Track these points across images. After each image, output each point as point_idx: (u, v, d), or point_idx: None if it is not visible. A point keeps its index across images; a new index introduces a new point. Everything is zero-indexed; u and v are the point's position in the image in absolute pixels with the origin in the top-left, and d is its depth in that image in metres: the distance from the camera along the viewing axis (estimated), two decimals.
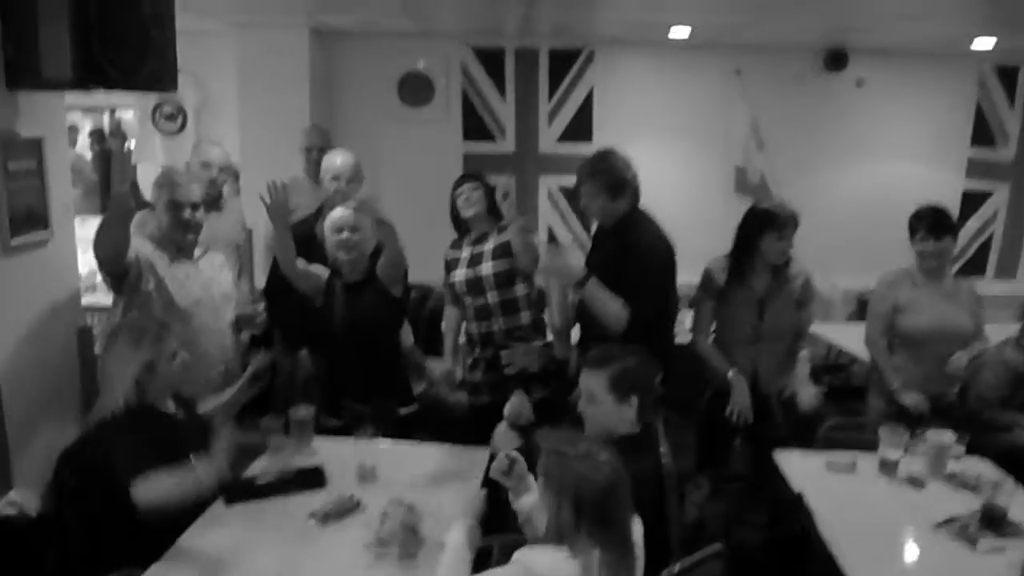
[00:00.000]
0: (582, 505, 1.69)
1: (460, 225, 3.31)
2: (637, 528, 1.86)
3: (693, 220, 5.84)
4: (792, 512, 2.45)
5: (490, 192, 3.44)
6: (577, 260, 3.00)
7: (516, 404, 2.79)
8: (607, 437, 2.19)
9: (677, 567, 2.04)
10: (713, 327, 3.37)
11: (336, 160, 3.65)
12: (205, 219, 3.05)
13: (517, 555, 1.76)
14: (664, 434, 2.77)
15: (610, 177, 2.98)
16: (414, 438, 2.99)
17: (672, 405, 2.88)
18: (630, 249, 2.94)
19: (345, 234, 3.05)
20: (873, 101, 5.80)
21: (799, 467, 2.80)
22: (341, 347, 3.08)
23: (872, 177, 5.86)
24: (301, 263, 3.10)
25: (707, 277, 3.34)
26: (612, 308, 2.86)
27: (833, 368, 5.15)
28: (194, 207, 2.94)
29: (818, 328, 4.75)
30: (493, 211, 3.37)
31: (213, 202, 3.62)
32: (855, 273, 5.05)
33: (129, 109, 6.10)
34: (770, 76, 5.70)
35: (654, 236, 3.04)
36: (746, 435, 3.38)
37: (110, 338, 2.77)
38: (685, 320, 4.44)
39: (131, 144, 6.32)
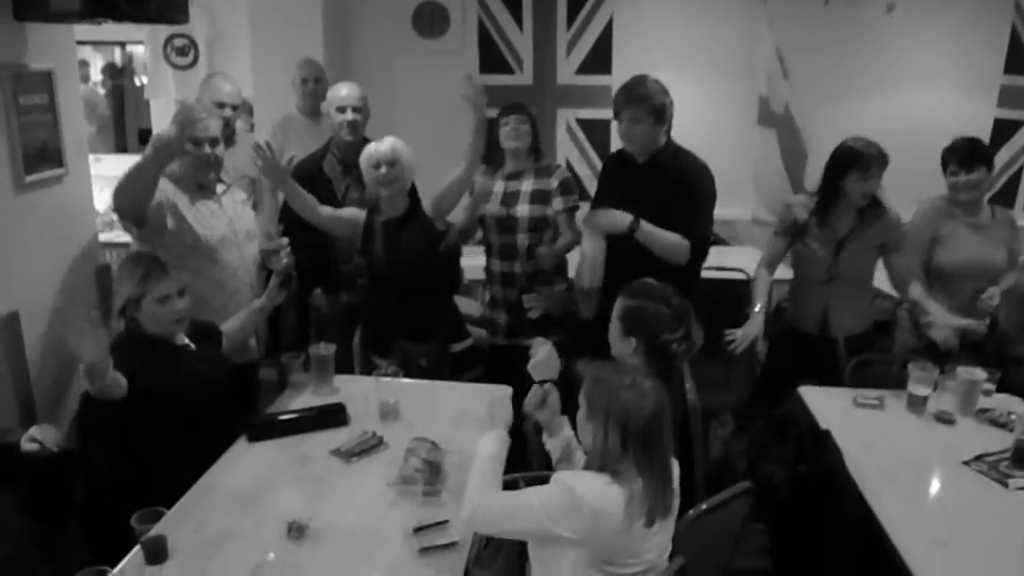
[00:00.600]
0: (629, 433, 1.69)
1: (493, 154, 3.22)
2: (674, 464, 1.85)
3: (716, 151, 5.63)
4: (819, 448, 2.42)
5: (536, 128, 3.38)
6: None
7: (543, 355, 2.59)
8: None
9: (704, 505, 2.02)
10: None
11: (341, 91, 3.52)
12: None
13: (557, 476, 1.77)
14: (690, 371, 2.76)
15: (652, 102, 2.88)
16: (468, 375, 2.98)
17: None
18: (688, 176, 2.91)
19: (384, 169, 2.94)
20: (903, 28, 5.57)
21: (825, 403, 2.77)
22: (386, 287, 3.03)
23: (901, 107, 5.66)
24: (327, 210, 3.03)
25: (785, 212, 3.23)
26: (672, 241, 2.83)
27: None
28: (213, 143, 2.84)
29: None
30: (535, 149, 3.30)
31: (227, 138, 3.54)
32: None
33: (140, 44, 5.99)
34: (796, 2, 5.48)
35: (701, 162, 3.01)
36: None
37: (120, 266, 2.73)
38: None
39: (144, 79, 6.23)
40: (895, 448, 2.48)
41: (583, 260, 2.92)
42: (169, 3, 2.30)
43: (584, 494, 1.67)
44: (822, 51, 5.55)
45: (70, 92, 2.63)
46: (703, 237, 2.92)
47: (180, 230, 2.79)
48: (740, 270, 4.34)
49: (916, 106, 5.66)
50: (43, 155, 2.48)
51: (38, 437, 2.06)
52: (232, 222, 2.95)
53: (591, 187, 5.75)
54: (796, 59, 5.44)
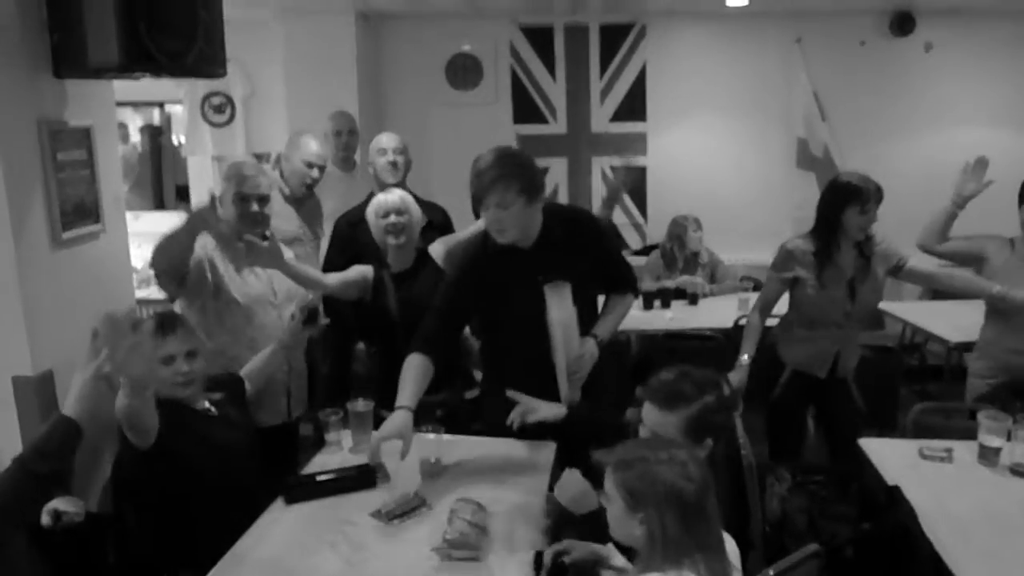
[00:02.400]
0: (685, 510, 1.52)
1: None
2: (731, 545, 1.71)
3: (754, 196, 5.66)
4: (889, 506, 2.27)
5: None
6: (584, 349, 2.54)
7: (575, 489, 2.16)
8: None
9: (771, 572, 1.88)
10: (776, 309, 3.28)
11: (383, 138, 3.66)
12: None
13: None
14: (742, 425, 2.63)
15: (518, 180, 2.35)
16: (481, 422, 2.88)
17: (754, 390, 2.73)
18: (586, 234, 2.56)
19: (392, 218, 2.99)
20: (943, 65, 5.50)
21: (888, 456, 2.62)
22: (399, 339, 2.96)
23: (945, 146, 5.55)
24: (332, 277, 3.03)
25: (787, 257, 3.17)
26: (625, 311, 2.70)
27: (908, 348, 4.92)
28: (261, 201, 2.84)
29: (890, 307, 4.54)
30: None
31: (306, 196, 3.65)
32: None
33: (178, 103, 6.09)
34: (832, 43, 5.45)
35: (577, 209, 2.90)
36: (819, 420, 3.24)
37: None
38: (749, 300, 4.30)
39: (181, 138, 6.34)
40: (968, 503, 2.32)
41: (555, 335, 2.47)
42: (207, 57, 2.29)
43: None
44: (860, 92, 5.50)
45: (108, 148, 2.63)
46: (633, 278, 2.76)
47: (217, 288, 2.78)
48: (776, 316, 4.22)
49: (962, 144, 5.52)
50: (80, 211, 2.47)
51: (60, 508, 2.01)
52: (272, 281, 2.94)
53: (627, 236, 5.76)
54: (834, 100, 5.38)
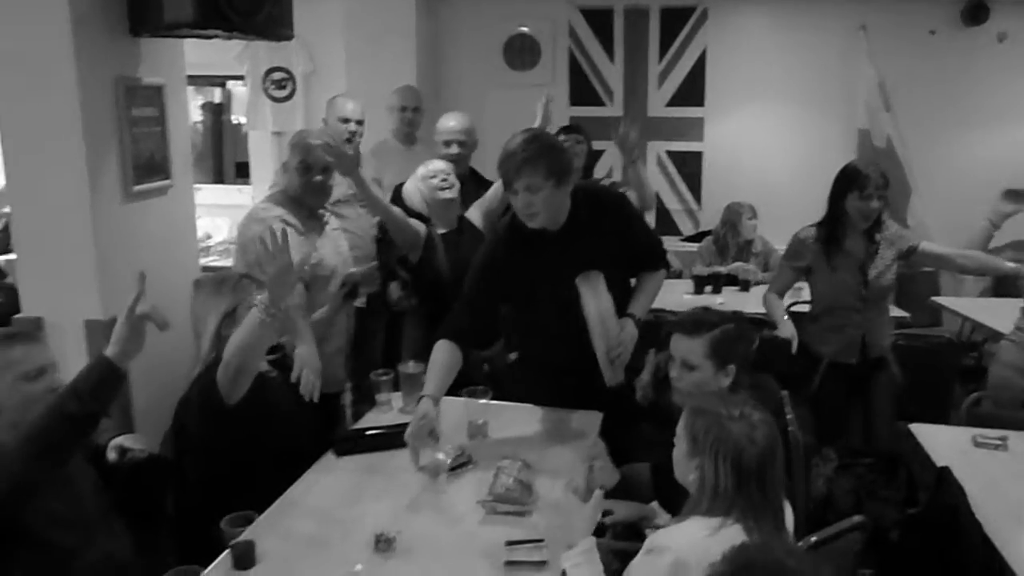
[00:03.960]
0: (742, 470, 1.55)
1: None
2: (787, 507, 1.71)
3: (812, 186, 5.49)
4: (938, 487, 2.24)
5: (591, 151, 3.40)
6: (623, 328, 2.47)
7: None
8: None
9: (814, 538, 1.88)
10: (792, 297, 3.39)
11: (449, 122, 3.67)
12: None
13: (650, 542, 1.62)
14: (791, 402, 2.61)
15: (548, 162, 2.32)
16: (522, 383, 2.92)
17: (786, 383, 2.68)
18: (614, 214, 2.55)
19: (440, 176, 3.12)
20: (1017, 57, 5.33)
21: (940, 442, 2.58)
22: (449, 296, 3.02)
23: (1017, 143, 5.39)
24: (397, 209, 3.09)
25: (797, 246, 3.25)
26: (658, 286, 2.67)
27: (967, 346, 4.80)
28: (325, 171, 2.89)
29: (951, 303, 4.44)
30: (589, 171, 3.30)
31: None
32: (993, 243, 4.67)
33: (240, 79, 6.23)
34: (900, 31, 5.32)
35: (604, 188, 2.89)
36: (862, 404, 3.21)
37: (195, 288, 2.76)
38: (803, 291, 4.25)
39: (241, 118, 6.48)
40: (1021, 493, 2.28)
41: (592, 325, 2.41)
42: (275, 19, 2.35)
43: (686, 557, 1.50)
44: (928, 82, 5.36)
45: (178, 107, 2.73)
46: (663, 253, 2.74)
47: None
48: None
49: None
50: (151, 166, 2.57)
51: (126, 445, 2.09)
52: (331, 252, 2.99)
53: (680, 222, 5.72)
54: (899, 91, 5.26)
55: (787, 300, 4.22)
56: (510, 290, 2.53)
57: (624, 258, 2.57)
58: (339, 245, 3.11)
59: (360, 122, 3.78)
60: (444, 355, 2.46)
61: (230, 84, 7.24)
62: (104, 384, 1.72)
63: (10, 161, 2.48)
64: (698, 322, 2.16)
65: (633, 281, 2.70)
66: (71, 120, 2.31)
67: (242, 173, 6.84)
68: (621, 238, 2.53)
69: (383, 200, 3.06)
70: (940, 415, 3.48)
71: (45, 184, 2.41)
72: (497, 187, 3.34)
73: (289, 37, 2.49)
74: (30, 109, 2.40)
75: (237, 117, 7.11)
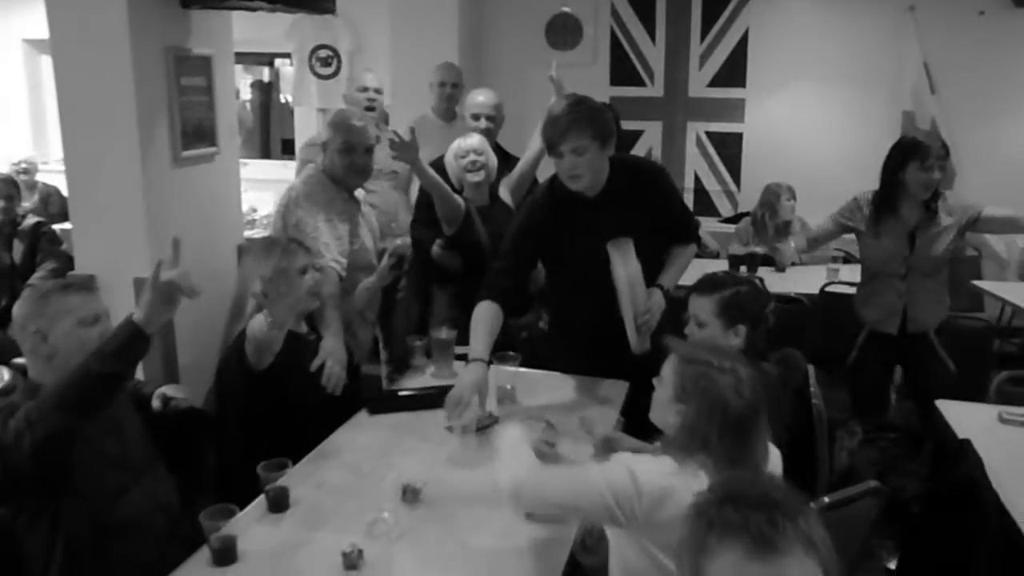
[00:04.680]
0: (725, 421, 1.56)
1: None
2: (774, 457, 1.73)
3: (854, 168, 5.46)
4: (957, 459, 2.26)
5: (620, 129, 3.46)
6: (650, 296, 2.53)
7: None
8: None
9: (826, 499, 1.92)
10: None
11: (478, 97, 3.71)
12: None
13: (618, 456, 1.66)
14: (815, 375, 2.64)
15: (594, 125, 2.39)
16: (554, 350, 2.98)
17: (819, 359, 2.70)
18: (652, 184, 2.61)
19: (472, 156, 3.16)
20: None
21: (966, 418, 2.58)
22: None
23: None
24: (444, 184, 3.14)
25: (852, 205, 3.28)
26: (687, 261, 2.70)
27: (1007, 332, 4.73)
28: (368, 151, 2.95)
29: (993, 287, 4.38)
30: (623, 150, 3.38)
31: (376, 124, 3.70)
32: None
33: (287, 57, 6.36)
34: (948, 12, 5.22)
35: (646, 160, 3.00)
36: (903, 383, 3.21)
37: (244, 250, 2.86)
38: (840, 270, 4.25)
39: (288, 97, 6.62)
40: None
41: (621, 290, 2.47)
42: None
43: (647, 481, 1.55)
44: (975, 65, 5.26)
45: (225, 77, 2.84)
46: (695, 227, 2.79)
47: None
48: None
49: None
50: (199, 134, 2.68)
51: (169, 394, 2.20)
52: (365, 232, 3.06)
53: (719, 203, 5.71)
54: (946, 73, 5.18)
55: (824, 279, 4.25)
56: (546, 252, 2.61)
57: (658, 228, 2.61)
58: (371, 224, 3.20)
59: (379, 91, 3.86)
60: (487, 314, 2.50)
61: (278, 63, 7.41)
62: (128, 346, 1.73)
63: (67, 127, 2.61)
64: (713, 282, 2.24)
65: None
66: (124, 88, 2.43)
67: (288, 149, 6.99)
68: (657, 209, 2.59)
69: (434, 177, 3.05)
70: (977, 400, 3.47)
71: (99, 149, 2.55)
72: (522, 164, 3.42)
73: (331, 11, 2.58)
74: (86, 78, 2.53)
75: (284, 95, 7.27)
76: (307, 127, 6.06)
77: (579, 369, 2.75)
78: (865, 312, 3.20)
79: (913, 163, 3.01)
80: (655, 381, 1.75)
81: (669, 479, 1.55)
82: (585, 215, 2.51)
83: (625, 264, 2.45)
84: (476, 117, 3.65)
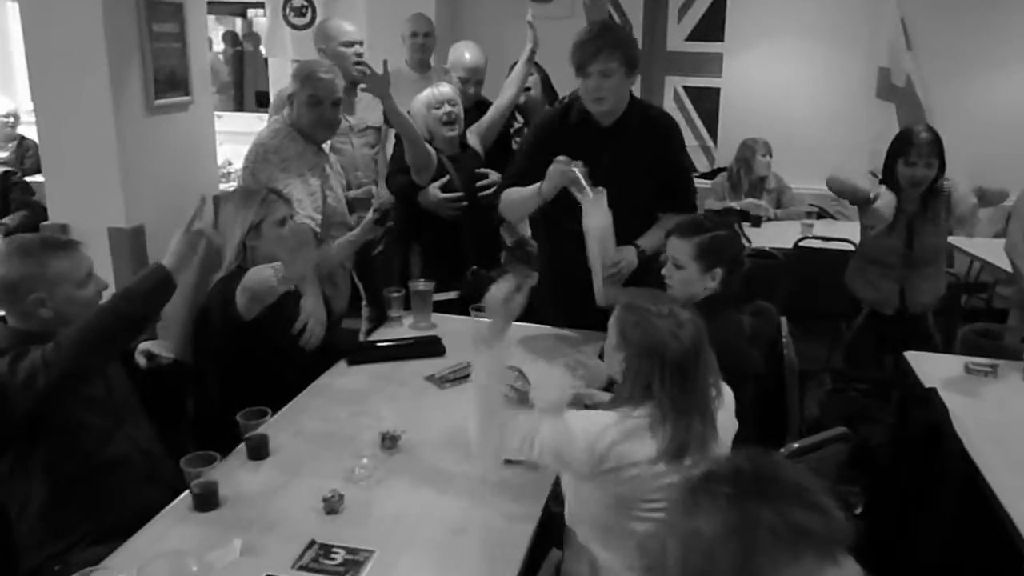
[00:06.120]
0: (664, 364, 1.58)
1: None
2: (727, 399, 1.75)
3: (830, 124, 5.54)
4: (923, 406, 2.33)
5: (545, 78, 3.70)
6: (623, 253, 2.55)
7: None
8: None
9: (796, 445, 1.98)
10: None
11: (466, 56, 3.60)
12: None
13: (568, 414, 1.70)
14: (788, 325, 2.69)
15: (625, 49, 2.46)
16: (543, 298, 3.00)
17: (791, 312, 2.72)
18: (666, 134, 2.67)
19: (447, 107, 3.10)
20: None
21: (932, 368, 2.65)
22: (463, 218, 3.12)
23: None
24: (416, 129, 3.08)
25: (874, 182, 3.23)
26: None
27: (974, 287, 4.83)
28: (335, 104, 2.89)
29: (961, 242, 4.45)
30: (548, 95, 3.61)
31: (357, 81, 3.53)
32: (1010, 184, 4.65)
33: (260, 7, 6.23)
34: None
35: (664, 112, 2.91)
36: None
37: (222, 199, 2.82)
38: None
39: (261, 48, 6.49)
40: (1008, 416, 2.35)
41: (590, 241, 2.50)
42: None
43: (582, 433, 1.59)
44: (952, 22, 5.26)
45: (198, 24, 2.78)
46: (693, 199, 2.77)
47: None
48: (849, 240, 4.20)
49: None
50: (171, 82, 2.64)
51: (153, 351, 2.20)
52: (334, 187, 3.03)
53: (696, 158, 5.72)
54: (922, 29, 5.18)
55: (798, 234, 4.30)
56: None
57: (657, 176, 2.63)
58: (340, 176, 3.17)
59: (362, 43, 3.69)
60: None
61: (251, 13, 7.26)
62: (157, 290, 1.86)
63: (36, 75, 2.55)
64: (693, 225, 2.26)
65: None
66: (94, 33, 2.38)
67: (262, 102, 6.88)
68: (660, 159, 2.63)
69: (409, 121, 3.01)
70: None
71: (70, 97, 2.50)
72: (493, 112, 3.39)
73: None
74: (54, 21, 2.46)
75: (257, 47, 7.14)
76: (282, 79, 5.93)
77: (566, 318, 2.78)
78: (860, 290, 3.23)
79: (901, 158, 3.03)
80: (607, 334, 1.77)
81: (607, 431, 1.58)
82: (593, 143, 2.55)
83: (595, 215, 2.46)
84: (465, 81, 3.56)
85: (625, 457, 1.58)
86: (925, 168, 3.01)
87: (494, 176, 3.16)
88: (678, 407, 1.59)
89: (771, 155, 4.92)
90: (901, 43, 5.20)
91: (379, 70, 2.88)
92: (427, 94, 3.15)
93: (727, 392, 1.75)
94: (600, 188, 2.45)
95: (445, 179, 3.09)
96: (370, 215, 2.88)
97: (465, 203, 3.12)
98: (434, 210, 3.12)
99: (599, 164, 2.47)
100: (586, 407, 2.02)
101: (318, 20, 5.69)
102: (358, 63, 3.36)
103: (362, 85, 2.95)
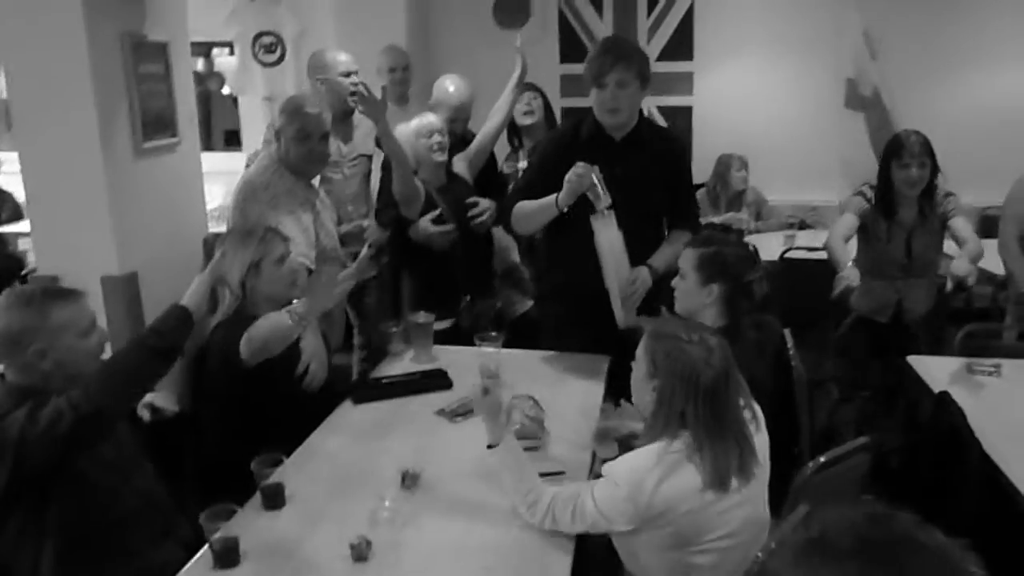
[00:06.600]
0: (697, 392, 1.59)
1: (515, 135, 3.42)
2: (759, 420, 1.75)
3: (802, 136, 5.63)
4: (938, 409, 2.33)
5: (547, 103, 3.55)
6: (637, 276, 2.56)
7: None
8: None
9: (823, 458, 1.96)
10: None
11: (451, 90, 3.54)
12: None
13: (607, 469, 1.69)
14: (792, 338, 2.69)
15: (640, 63, 2.52)
16: (545, 320, 2.99)
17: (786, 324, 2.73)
18: (675, 153, 2.72)
19: (437, 137, 3.08)
20: (1000, 3, 5.37)
21: (936, 371, 2.67)
22: (455, 249, 3.09)
23: (998, 86, 5.44)
24: (408, 163, 3.06)
25: (859, 198, 3.22)
26: (679, 249, 2.61)
27: (955, 287, 4.88)
28: (324, 137, 2.85)
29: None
30: (550, 120, 3.44)
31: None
32: (979, 189, 4.73)
33: (227, 47, 6.18)
34: None
35: (674, 132, 2.96)
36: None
37: (218, 242, 2.76)
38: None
39: (225, 89, 6.44)
40: (1017, 415, 2.37)
41: (605, 262, 2.52)
42: None
43: (625, 486, 1.59)
44: (913, 31, 5.39)
45: (182, 65, 2.73)
46: (696, 216, 2.84)
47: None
48: None
49: (1014, 85, 5.44)
50: (159, 124, 2.59)
51: (157, 404, 2.14)
52: (324, 224, 2.98)
53: None
54: (885, 40, 5.28)
55: (781, 245, 4.33)
56: (558, 188, 2.57)
57: (663, 193, 2.65)
58: (331, 210, 3.12)
59: (357, 71, 3.62)
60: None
61: (214, 52, 7.19)
62: (180, 326, 1.97)
63: (20, 119, 2.48)
64: (705, 237, 2.29)
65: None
66: (81, 76, 2.32)
67: (230, 141, 6.82)
68: (668, 176, 2.66)
69: (402, 151, 2.98)
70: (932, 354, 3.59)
71: (57, 141, 2.44)
72: (482, 137, 3.37)
73: None
74: (40, 64, 2.40)
75: (225, 87, 7.07)
76: (253, 116, 5.91)
77: (570, 341, 2.75)
78: (857, 302, 3.20)
79: (894, 161, 3.06)
80: (633, 364, 1.76)
81: (647, 477, 1.58)
82: (606, 156, 2.54)
83: (606, 235, 2.47)
84: (453, 120, 3.45)
85: (673, 497, 1.57)
86: (919, 168, 3.04)
87: (484, 204, 3.14)
88: (713, 433, 1.59)
89: (747, 169, 4.97)
90: (866, 54, 5.29)
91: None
92: (415, 123, 3.13)
93: (759, 412, 1.74)
94: (609, 208, 2.45)
95: (436, 212, 3.05)
96: (365, 251, 2.83)
97: (457, 233, 3.08)
98: (426, 243, 3.08)
99: (612, 177, 2.47)
100: (617, 441, 2.01)
101: (288, 57, 5.69)
102: (354, 91, 3.35)
103: (360, 108, 2.89)
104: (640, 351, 1.71)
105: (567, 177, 2.44)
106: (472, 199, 3.16)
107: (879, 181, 3.15)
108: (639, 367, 1.71)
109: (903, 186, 3.07)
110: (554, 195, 2.51)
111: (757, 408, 1.72)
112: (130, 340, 1.89)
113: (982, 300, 4.78)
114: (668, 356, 1.63)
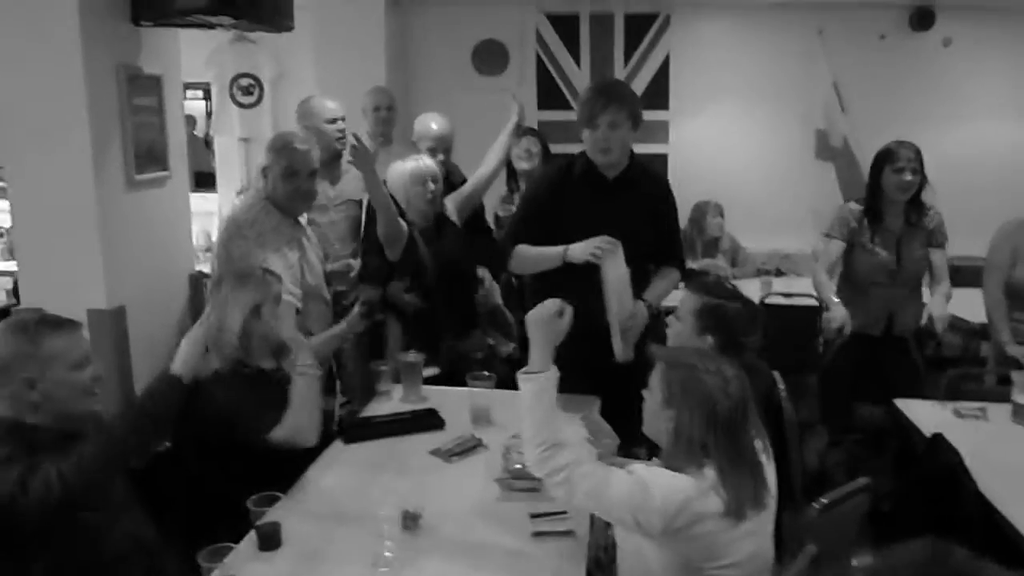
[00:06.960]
0: (715, 421, 1.58)
1: (512, 179, 3.44)
2: (767, 459, 1.74)
3: (775, 185, 5.75)
4: (932, 452, 2.35)
5: (547, 150, 3.56)
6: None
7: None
8: None
9: (825, 500, 1.96)
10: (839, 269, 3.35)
11: (432, 124, 3.59)
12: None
13: (635, 467, 1.67)
14: (782, 379, 2.70)
15: (632, 104, 2.57)
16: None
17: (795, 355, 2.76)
18: (662, 192, 2.79)
19: (431, 184, 3.06)
20: (960, 59, 5.59)
21: (924, 415, 2.70)
22: (436, 292, 3.07)
23: (962, 138, 5.63)
24: (393, 206, 3.04)
25: (843, 213, 3.30)
26: (672, 285, 2.75)
27: (926, 334, 4.97)
28: (311, 174, 2.83)
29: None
30: (548, 160, 3.43)
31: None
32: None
33: (200, 89, 6.14)
34: (853, 36, 5.53)
35: (661, 172, 3.00)
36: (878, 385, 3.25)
37: (214, 287, 2.71)
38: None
39: (196, 131, 6.39)
40: (1006, 457, 2.40)
41: (609, 294, 2.50)
42: (280, 9, 2.37)
43: (659, 488, 1.57)
44: (880, 84, 5.57)
45: (175, 98, 2.71)
46: (682, 255, 2.89)
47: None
48: (810, 295, 4.29)
49: (977, 137, 5.65)
50: (151, 156, 2.56)
51: None
52: (313, 262, 2.96)
53: None
54: (854, 92, 5.45)
55: (758, 292, 4.37)
56: (551, 225, 2.62)
57: (652, 231, 2.67)
58: (317, 248, 3.09)
59: (344, 118, 3.69)
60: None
61: (188, 94, 7.15)
62: (169, 396, 1.97)
63: (12, 148, 2.42)
64: (710, 285, 2.29)
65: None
66: (77, 107, 2.29)
67: (201, 182, 6.73)
68: (657, 214, 2.71)
69: (387, 195, 2.97)
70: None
71: (49, 171, 2.38)
72: (474, 182, 3.37)
73: (290, 28, 2.52)
74: (36, 94, 2.37)
75: (198, 128, 7.02)
76: (229, 158, 5.86)
77: (576, 380, 2.72)
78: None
79: (887, 166, 3.14)
80: (645, 393, 1.75)
81: (685, 492, 1.56)
82: (598, 195, 2.60)
83: (614, 267, 2.48)
84: (433, 151, 3.50)
85: (699, 512, 1.55)
86: (911, 174, 3.10)
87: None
88: (734, 462, 1.58)
89: (723, 216, 5.05)
90: (835, 106, 5.45)
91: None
92: (412, 167, 3.08)
93: (767, 443, 1.74)
94: (617, 241, 2.46)
95: (407, 282, 3.06)
96: (357, 309, 2.78)
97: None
98: (398, 304, 3.09)
99: (604, 214, 2.51)
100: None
101: (265, 99, 5.69)
102: (342, 137, 3.36)
103: (348, 157, 2.88)
104: (654, 380, 1.70)
105: (591, 251, 2.43)
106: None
107: (868, 189, 3.23)
108: (653, 396, 1.69)
109: (895, 191, 3.13)
110: (563, 247, 2.52)
111: (766, 439, 1.71)
112: (122, 412, 1.91)
113: (952, 350, 4.87)
114: (685, 385, 1.63)
